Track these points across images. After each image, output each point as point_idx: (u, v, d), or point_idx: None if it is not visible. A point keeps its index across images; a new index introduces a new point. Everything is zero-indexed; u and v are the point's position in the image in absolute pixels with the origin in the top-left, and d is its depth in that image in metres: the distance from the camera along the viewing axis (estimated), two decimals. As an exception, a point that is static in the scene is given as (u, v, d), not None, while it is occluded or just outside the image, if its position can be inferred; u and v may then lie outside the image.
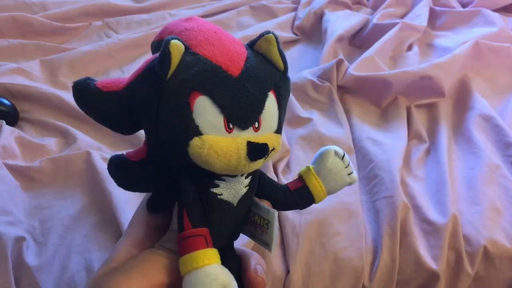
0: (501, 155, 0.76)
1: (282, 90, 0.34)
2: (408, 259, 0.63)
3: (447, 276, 0.63)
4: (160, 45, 0.32)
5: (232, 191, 0.34)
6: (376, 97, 0.87)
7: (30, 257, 0.59)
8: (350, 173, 0.39)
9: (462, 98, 0.88)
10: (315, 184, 0.38)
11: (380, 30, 1.02)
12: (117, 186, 0.63)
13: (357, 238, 0.64)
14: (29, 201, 0.66)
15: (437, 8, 1.13)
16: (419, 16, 1.08)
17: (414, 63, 0.95)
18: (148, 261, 0.32)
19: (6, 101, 0.79)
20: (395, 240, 0.63)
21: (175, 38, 0.30)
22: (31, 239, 0.61)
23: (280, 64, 0.34)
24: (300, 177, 0.38)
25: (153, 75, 0.30)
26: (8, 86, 0.82)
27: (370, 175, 0.72)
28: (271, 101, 0.33)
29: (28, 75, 0.87)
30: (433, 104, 0.87)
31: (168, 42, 0.30)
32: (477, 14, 1.08)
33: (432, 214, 0.66)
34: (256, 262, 0.36)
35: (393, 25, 1.02)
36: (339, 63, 0.89)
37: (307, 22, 1.11)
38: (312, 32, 1.10)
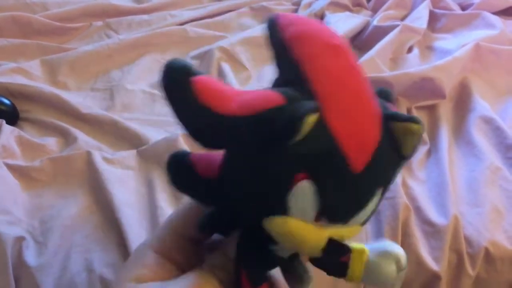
0: (502, 157, 0.76)
1: (392, 180, 0.29)
2: (409, 261, 0.62)
3: (448, 278, 0.63)
4: (282, 50, 0.27)
5: (288, 250, 0.32)
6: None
7: (30, 257, 0.58)
8: (394, 286, 0.34)
9: (463, 100, 0.88)
10: (356, 270, 0.32)
11: (380, 32, 1.02)
12: (118, 187, 0.62)
13: (358, 240, 0.64)
14: (29, 201, 0.66)
15: (437, 11, 1.13)
16: (419, 19, 1.08)
17: (414, 65, 0.95)
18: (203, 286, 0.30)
19: (6, 101, 0.78)
20: (396, 241, 0.63)
21: (314, 110, 0.23)
22: (31, 239, 0.61)
23: (407, 154, 0.27)
24: (349, 252, 0.33)
25: (269, 131, 0.24)
26: (8, 86, 0.82)
27: (371, 177, 0.72)
28: (376, 200, 0.28)
29: (28, 74, 0.87)
30: (434, 106, 0.87)
31: (305, 114, 0.23)
32: (477, 16, 1.08)
33: (433, 215, 0.66)
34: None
35: (393, 27, 1.02)
36: (339, 65, 0.89)
37: (308, 24, 1.11)
38: (312, 33, 1.10)
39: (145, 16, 1.10)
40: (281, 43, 0.27)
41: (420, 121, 0.26)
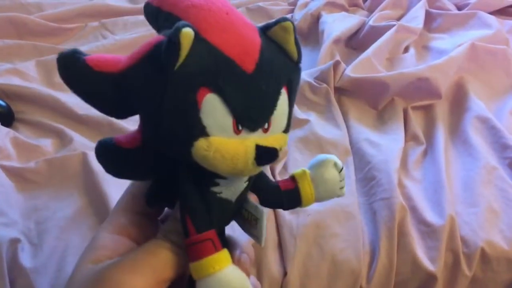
0: (497, 157, 0.76)
1: (294, 85, 0.32)
2: (405, 261, 0.63)
3: (444, 278, 0.63)
4: (158, 14, 0.29)
5: (231, 188, 0.33)
6: (373, 98, 0.88)
7: (26, 259, 0.58)
8: (342, 187, 0.38)
9: (459, 100, 0.88)
10: (307, 190, 0.36)
11: (377, 32, 1.02)
12: (113, 188, 0.62)
13: (354, 240, 0.63)
14: (24, 202, 0.66)
15: (433, 11, 1.13)
16: (415, 18, 1.08)
17: (410, 65, 0.95)
18: (154, 256, 0.31)
19: (1, 102, 0.78)
20: (393, 241, 0.63)
21: (186, 25, 0.26)
22: (26, 240, 0.61)
23: (295, 55, 0.31)
24: (293, 178, 0.37)
25: (157, 64, 0.27)
26: (4, 87, 0.81)
27: (368, 177, 0.72)
28: (283, 99, 0.30)
29: (24, 75, 0.87)
30: (430, 106, 0.87)
31: (178, 30, 0.26)
32: (473, 16, 1.09)
33: (430, 215, 0.66)
34: (241, 250, 0.35)
35: (389, 27, 1.02)
36: (336, 65, 0.89)
37: (304, 24, 1.11)
38: (309, 34, 1.10)
39: (140, 17, 1.10)
40: (155, 9, 0.32)
41: (289, 19, 0.30)
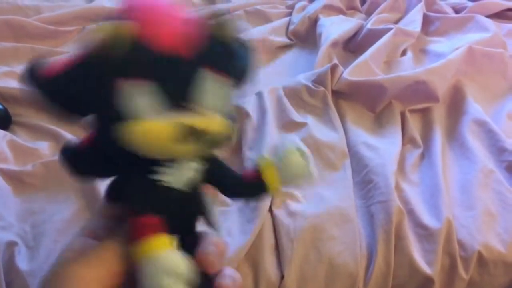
0: (495, 160, 0.76)
1: (223, 66, 0.32)
2: (402, 264, 0.63)
3: (441, 281, 0.63)
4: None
5: (177, 177, 0.33)
6: (371, 101, 0.88)
7: (22, 262, 0.58)
8: (309, 170, 0.37)
9: (456, 103, 0.88)
10: (273, 181, 0.36)
11: (374, 35, 1.02)
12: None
13: (352, 243, 0.63)
14: (20, 205, 0.66)
15: (431, 14, 1.13)
16: (413, 22, 1.08)
17: (408, 68, 0.95)
18: (106, 250, 0.32)
19: (-2, 105, 0.78)
20: (390, 244, 0.63)
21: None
22: (23, 243, 0.61)
23: (224, 34, 0.32)
24: (257, 168, 0.37)
25: (93, 60, 0.28)
26: (1, 90, 0.81)
27: (365, 180, 0.72)
28: (205, 81, 0.30)
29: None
30: (427, 109, 0.87)
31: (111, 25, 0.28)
32: (470, 20, 1.09)
33: (427, 218, 0.66)
34: (209, 243, 0.35)
35: (387, 30, 1.02)
36: (333, 68, 0.89)
37: (302, 27, 1.11)
38: (306, 37, 1.10)
39: (138, 20, 1.10)
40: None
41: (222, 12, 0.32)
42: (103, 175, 0.36)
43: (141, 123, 0.29)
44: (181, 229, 0.34)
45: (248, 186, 0.37)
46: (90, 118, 0.32)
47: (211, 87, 0.31)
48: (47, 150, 0.74)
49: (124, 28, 0.28)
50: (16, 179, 0.68)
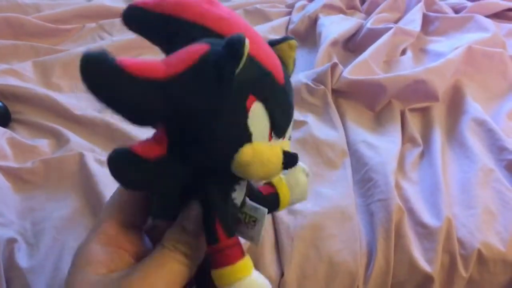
0: (494, 159, 0.76)
1: None
2: (402, 262, 0.63)
3: (441, 279, 0.64)
4: (163, 20, 0.30)
5: (241, 194, 0.34)
6: (370, 100, 0.88)
7: (22, 259, 0.58)
8: (307, 192, 0.40)
9: (456, 103, 0.88)
10: (285, 194, 0.38)
11: (374, 34, 1.02)
12: (110, 188, 0.62)
13: (351, 241, 0.64)
14: (20, 203, 0.66)
15: (430, 14, 1.14)
16: (413, 21, 1.08)
17: (407, 67, 0.95)
18: (165, 268, 0.31)
19: (-2, 102, 0.78)
20: (390, 243, 0.63)
21: (245, 37, 0.26)
22: (23, 240, 0.61)
23: (291, 70, 0.34)
24: (271, 184, 0.38)
25: (210, 71, 0.27)
26: (0, 87, 0.81)
27: (365, 178, 0.72)
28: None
29: (21, 76, 0.87)
30: (427, 108, 0.87)
31: (242, 40, 0.26)
32: (470, 19, 1.09)
33: (426, 217, 0.66)
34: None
35: (387, 29, 1.02)
36: (333, 67, 0.89)
37: (302, 26, 1.11)
38: (306, 36, 1.10)
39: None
40: (161, 16, 0.31)
41: (294, 37, 0.33)
42: (168, 189, 0.32)
43: (259, 147, 0.29)
44: None
45: (266, 200, 0.37)
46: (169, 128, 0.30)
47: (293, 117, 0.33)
48: (46, 147, 0.74)
49: (247, 42, 0.27)
50: (15, 177, 0.68)
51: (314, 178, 0.72)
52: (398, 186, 0.71)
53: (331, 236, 0.64)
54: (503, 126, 0.81)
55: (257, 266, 0.61)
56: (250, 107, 0.28)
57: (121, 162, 0.29)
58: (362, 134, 0.80)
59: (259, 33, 0.32)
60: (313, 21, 1.12)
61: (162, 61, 0.28)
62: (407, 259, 0.63)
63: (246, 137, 0.29)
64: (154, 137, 0.30)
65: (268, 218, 0.65)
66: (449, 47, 0.98)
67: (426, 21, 1.12)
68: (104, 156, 0.72)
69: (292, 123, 0.32)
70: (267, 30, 1.09)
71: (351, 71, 0.89)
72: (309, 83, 0.88)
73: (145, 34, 0.33)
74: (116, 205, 0.36)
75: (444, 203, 0.67)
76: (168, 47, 0.31)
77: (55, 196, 0.67)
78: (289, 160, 0.31)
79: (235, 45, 0.26)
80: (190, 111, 0.28)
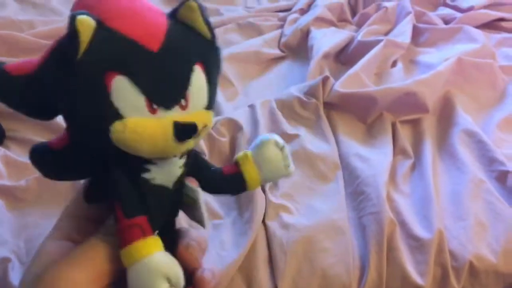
0: (485, 170, 0.77)
1: (211, 62, 0.32)
2: (395, 275, 0.63)
3: (433, 292, 0.64)
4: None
5: (165, 174, 0.32)
6: (362, 113, 0.88)
7: (15, 278, 0.58)
8: (288, 166, 0.37)
9: (446, 114, 0.89)
10: (251, 172, 0.36)
11: (365, 47, 1.04)
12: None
13: (344, 254, 0.64)
14: (14, 221, 0.66)
15: (420, 25, 1.15)
16: (403, 33, 1.09)
17: (398, 79, 0.96)
18: (93, 250, 0.31)
19: (-8, 120, 0.78)
20: (382, 256, 0.64)
21: (83, 13, 0.27)
22: (16, 259, 0.61)
23: (207, 33, 0.31)
24: (236, 163, 0.37)
25: (62, 57, 0.28)
26: (-6, 105, 0.81)
27: (357, 191, 0.73)
28: (198, 76, 0.30)
29: (15, 93, 0.87)
30: (418, 120, 0.88)
31: (74, 18, 0.26)
32: (459, 31, 1.10)
33: (418, 229, 0.67)
34: (191, 238, 0.34)
35: (377, 42, 1.03)
36: (325, 80, 0.90)
37: (294, 39, 1.12)
38: (298, 49, 1.11)
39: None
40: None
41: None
42: (80, 176, 0.35)
43: (133, 122, 0.28)
44: (163, 227, 0.33)
45: (228, 180, 0.36)
46: (62, 117, 0.31)
47: (200, 82, 0.31)
48: (40, 165, 0.74)
49: (89, 20, 0.27)
50: (9, 194, 0.69)
51: (306, 191, 0.73)
52: (389, 199, 0.71)
53: (323, 249, 0.64)
54: (493, 137, 0.82)
55: (250, 280, 0.62)
56: (110, 83, 0.28)
57: (35, 154, 0.34)
58: (354, 147, 0.81)
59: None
60: (305, 34, 1.13)
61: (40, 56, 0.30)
62: (400, 272, 0.63)
63: (112, 114, 0.28)
64: (65, 128, 0.32)
65: (261, 234, 0.66)
66: (439, 58, 0.99)
67: (416, 32, 1.13)
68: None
69: (192, 89, 0.30)
70: (260, 44, 1.10)
71: (343, 84, 0.90)
72: (301, 96, 0.89)
73: None
74: (71, 201, 0.37)
75: (435, 215, 0.68)
76: None
77: (49, 213, 0.67)
78: (181, 131, 0.29)
79: (70, 25, 0.27)
80: (58, 98, 0.29)
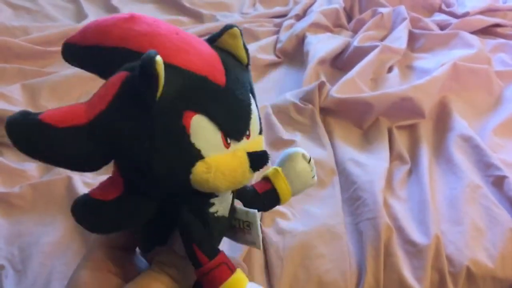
0: (481, 175, 0.76)
1: (252, 87, 0.32)
2: (392, 281, 0.63)
3: (431, 297, 0.64)
4: (95, 51, 0.29)
5: (224, 204, 0.32)
6: (358, 118, 0.88)
7: (10, 286, 0.58)
8: (313, 176, 0.39)
9: (442, 119, 0.89)
10: (283, 187, 0.37)
11: (361, 52, 1.04)
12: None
13: (341, 260, 0.64)
14: (8, 228, 0.65)
15: (416, 31, 1.15)
16: (399, 39, 1.10)
17: (394, 84, 0.96)
18: (159, 283, 0.31)
19: (-15, 126, 0.77)
20: (379, 261, 0.63)
21: (155, 53, 0.25)
22: (10, 267, 0.60)
23: (245, 59, 0.32)
24: (267, 179, 0.37)
25: (134, 101, 0.26)
26: (-12, 111, 0.81)
27: (353, 197, 0.72)
28: (253, 103, 0.31)
29: (9, 99, 0.87)
30: (414, 126, 0.88)
31: (152, 59, 0.25)
32: (455, 36, 1.11)
33: (415, 235, 0.67)
34: (237, 262, 0.34)
35: (373, 47, 1.04)
36: (321, 86, 0.90)
37: (289, 45, 1.12)
38: (294, 54, 1.11)
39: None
40: (88, 49, 0.31)
41: (234, 25, 0.31)
42: (136, 223, 0.32)
43: (215, 160, 0.28)
44: None
45: (263, 197, 0.37)
46: (117, 165, 0.30)
47: (255, 110, 0.31)
48: (35, 171, 0.74)
49: (158, 59, 0.25)
50: (3, 201, 0.68)
51: (303, 197, 0.72)
52: (386, 204, 0.71)
53: (320, 255, 0.64)
54: (489, 142, 0.82)
55: (247, 287, 0.61)
56: (189, 123, 0.27)
57: (83, 209, 0.30)
58: (350, 152, 0.81)
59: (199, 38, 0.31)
60: (301, 40, 1.13)
61: (85, 102, 0.28)
62: (397, 277, 0.63)
63: (194, 155, 0.27)
64: (111, 178, 0.30)
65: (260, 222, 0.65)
66: (435, 63, 0.99)
67: (412, 38, 1.13)
68: (92, 179, 0.71)
69: (253, 117, 0.30)
70: (255, 50, 1.10)
71: (339, 90, 0.90)
72: (297, 102, 0.89)
73: (84, 68, 0.33)
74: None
75: (432, 220, 0.68)
76: (105, 77, 0.30)
77: (43, 220, 0.67)
78: (257, 161, 0.29)
79: (146, 67, 0.25)
80: (124, 146, 0.27)
